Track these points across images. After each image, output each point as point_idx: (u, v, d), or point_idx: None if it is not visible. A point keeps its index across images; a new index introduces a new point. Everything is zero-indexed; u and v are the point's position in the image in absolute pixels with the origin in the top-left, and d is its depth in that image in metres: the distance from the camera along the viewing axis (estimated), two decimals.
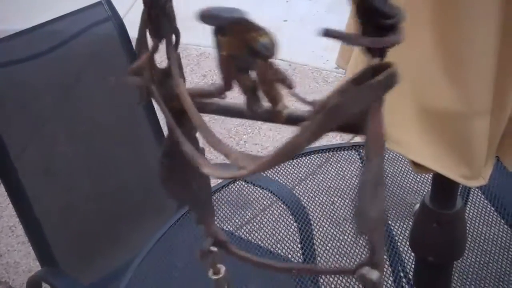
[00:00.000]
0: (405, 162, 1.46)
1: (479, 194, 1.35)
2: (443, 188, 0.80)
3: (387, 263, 1.21)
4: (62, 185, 1.50)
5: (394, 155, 1.48)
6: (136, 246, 1.28)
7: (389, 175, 1.44)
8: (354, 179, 1.45)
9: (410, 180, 1.42)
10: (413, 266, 0.91)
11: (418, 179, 1.41)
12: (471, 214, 1.30)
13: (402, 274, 1.17)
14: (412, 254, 0.89)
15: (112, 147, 1.59)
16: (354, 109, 0.44)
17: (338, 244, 1.27)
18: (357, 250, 1.26)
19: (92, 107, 1.55)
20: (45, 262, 1.42)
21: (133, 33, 1.59)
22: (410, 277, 1.14)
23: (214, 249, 0.61)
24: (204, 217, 0.61)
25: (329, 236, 1.29)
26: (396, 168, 1.46)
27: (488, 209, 1.32)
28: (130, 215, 1.59)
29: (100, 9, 1.53)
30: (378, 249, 0.50)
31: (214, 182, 1.45)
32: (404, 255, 1.21)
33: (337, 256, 1.23)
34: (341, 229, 1.31)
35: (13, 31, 1.43)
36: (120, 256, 1.46)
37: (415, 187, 1.40)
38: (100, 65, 1.56)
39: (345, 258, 1.23)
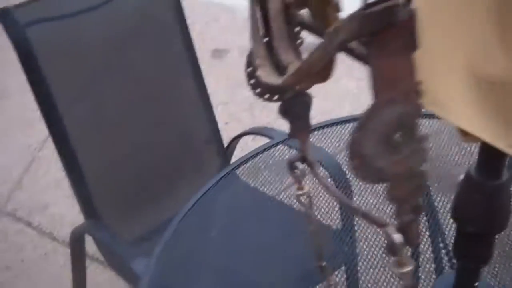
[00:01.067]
0: (449, 134, 1.44)
1: None
2: (490, 158, 0.78)
3: (427, 233, 1.20)
4: (108, 141, 1.52)
5: (438, 127, 1.46)
6: (176, 205, 1.29)
7: (433, 147, 1.43)
8: None
9: (454, 152, 1.40)
10: (453, 239, 0.90)
11: (463, 152, 1.39)
12: None
13: (441, 245, 1.17)
14: (453, 226, 0.88)
15: (157, 106, 1.60)
16: (350, 35, 0.44)
17: (378, 214, 1.26)
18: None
19: (138, 67, 1.57)
20: (88, 215, 1.46)
21: None
22: (450, 248, 1.13)
23: (301, 165, 0.64)
24: (299, 130, 0.64)
25: (369, 206, 1.29)
26: (439, 140, 1.44)
27: None
28: (171, 174, 1.61)
29: None
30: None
31: (255, 145, 1.46)
32: (444, 227, 1.20)
33: (376, 227, 1.23)
34: (381, 199, 1.31)
35: None
36: (160, 213, 1.49)
37: (460, 159, 1.39)
38: (151, 23, 1.56)
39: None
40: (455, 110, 0.66)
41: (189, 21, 1.60)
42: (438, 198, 1.29)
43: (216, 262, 1.18)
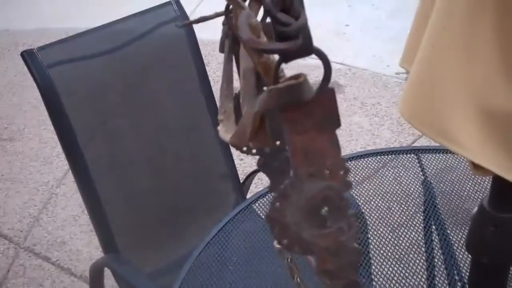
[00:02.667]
0: (463, 170, 1.45)
1: None
2: (502, 191, 0.80)
3: (442, 267, 1.20)
4: (126, 177, 1.55)
5: (452, 162, 1.47)
6: (194, 240, 1.31)
7: (448, 182, 1.43)
8: (412, 184, 1.45)
9: (468, 187, 1.40)
10: (468, 271, 0.91)
11: (476, 187, 1.40)
12: None
13: (457, 278, 1.17)
14: (468, 259, 0.89)
15: (173, 143, 1.63)
16: (261, 108, 0.46)
17: (393, 249, 1.27)
18: (413, 256, 1.26)
19: (156, 104, 1.60)
20: (108, 250, 1.48)
21: (199, 33, 1.64)
22: (465, 281, 1.14)
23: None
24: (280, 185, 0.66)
25: (384, 241, 1.29)
26: (454, 175, 1.44)
27: None
28: (188, 210, 1.63)
29: (168, 8, 1.58)
30: None
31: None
32: (459, 260, 1.20)
33: (392, 261, 1.23)
34: (396, 235, 1.31)
35: (82, 29, 1.50)
36: (178, 248, 1.51)
37: (474, 194, 1.39)
38: (166, 64, 1.61)
39: (400, 264, 1.23)
40: (465, 143, 0.69)
41: (207, 59, 1.63)
42: (453, 232, 1.29)
43: None
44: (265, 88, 0.45)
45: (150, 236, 1.56)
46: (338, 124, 0.46)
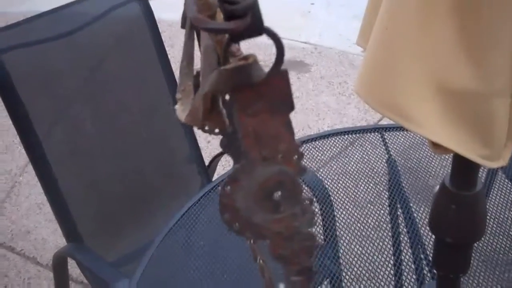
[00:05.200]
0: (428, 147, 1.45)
1: (504, 177, 1.34)
2: (463, 169, 0.79)
3: (408, 245, 1.21)
4: (87, 164, 1.52)
5: (419, 139, 1.47)
6: (158, 226, 1.29)
7: (414, 160, 1.44)
8: (379, 162, 1.45)
9: (435, 164, 1.41)
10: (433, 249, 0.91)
11: (443, 162, 1.40)
12: (497, 199, 1.29)
13: (422, 256, 1.17)
14: (433, 237, 0.89)
15: (136, 128, 1.61)
16: (211, 88, 0.45)
17: (361, 227, 1.27)
18: (380, 234, 1.26)
19: (116, 88, 1.57)
20: (70, 239, 1.45)
21: (162, 14, 1.61)
22: (430, 259, 1.14)
23: None
24: None
25: (352, 220, 1.29)
26: (420, 152, 1.45)
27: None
28: (153, 195, 1.61)
29: None
30: (289, 274, 0.52)
31: None
32: (424, 238, 1.21)
33: (359, 239, 1.24)
34: (364, 213, 1.31)
35: (36, 13, 1.45)
36: (143, 234, 1.48)
37: (440, 171, 1.40)
38: (125, 47, 1.57)
39: (368, 242, 1.23)
40: (424, 122, 0.68)
41: (169, 42, 1.61)
42: (418, 210, 1.30)
43: (198, 282, 1.18)
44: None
45: (113, 223, 1.54)
46: (291, 107, 0.45)
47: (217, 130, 0.57)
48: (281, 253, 0.50)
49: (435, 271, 0.95)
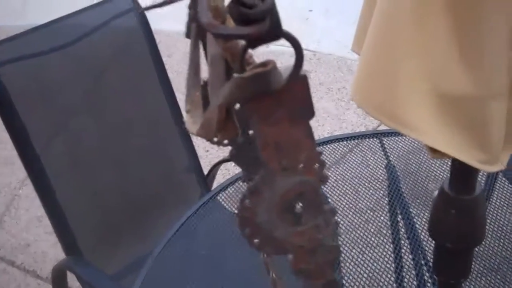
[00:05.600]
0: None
1: (505, 181, 1.34)
2: (461, 173, 0.79)
3: (408, 251, 1.20)
4: (86, 176, 1.51)
5: (418, 144, 1.46)
6: (158, 237, 1.28)
7: (413, 164, 1.43)
8: (379, 167, 1.44)
9: (435, 169, 1.40)
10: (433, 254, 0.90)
11: (442, 167, 1.40)
12: (498, 202, 1.28)
13: (423, 262, 1.16)
14: (433, 242, 0.88)
15: (136, 139, 1.60)
16: (226, 99, 0.42)
17: (361, 233, 1.26)
18: (380, 240, 1.25)
19: (114, 100, 1.56)
20: (69, 252, 1.44)
21: (160, 24, 1.60)
22: (431, 264, 1.13)
23: None
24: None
25: (353, 226, 1.29)
26: (419, 156, 1.44)
27: None
28: (152, 206, 1.60)
29: (121, 0, 1.54)
30: None
31: (237, 170, 1.44)
32: (425, 243, 1.20)
33: (360, 246, 1.23)
34: (364, 219, 1.30)
35: (33, 26, 1.44)
36: (143, 246, 1.47)
37: (439, 175, 1.39)
38: (122, 58, 1.56)
39: (368, 248, 1.22)
40: (420, 127, 0.67)
41: (167, 52, 1.60)
42: (418, 215, 1.29)
43: None
44: (235, 75, 0.43)
45: (113, 235, 1.53)
46: (312, 113, 0.43)
47: (226, 141, 0.54)
48: (303, 268, 0.48)
49: (435, 277, 0.95)
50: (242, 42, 0.40)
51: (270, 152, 0.43)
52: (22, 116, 1.35)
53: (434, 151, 0.69)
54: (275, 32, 0.39)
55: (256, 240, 0.46)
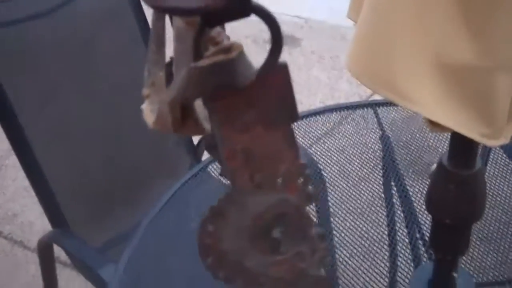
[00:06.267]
0: (422, 120, 1.43)
1: (501, 152, 1.32)
2: (462, 147, 0.76)
3: (403, 224, 1.18)
4: (73, 148, 1.48)
5: (413, 113, 1.44)
6: (146, 209, 1.26)
7: (408, 134, 1.41)
8: (372, 136, 1.42)
9: (429, 138, 1.38)
10: (429, 227, 0.88)
11: (437, 137, 1.38)
12: (491, 172, 1.26)
13: (418, 236, 1.14)
14: (428, 215, 0.86)
15: (124, 110, 1.56)
16: (180, 95, 0.33)
17: (354, 203, 1.25)
18: (374, 210, 1.23)
19: (103, 69, 1.52)
20: (56, 224, 1.42)
21: None
22: (427, 238, 1.11)
23: None
24: None
25: (346, 196, 1.27)
26: (414, 125, 1.42)
27: (510, 166, 1.29)
28: (142, 178, 1.57)
29: None
30: None
31: None
32: (420, 216, 1.18)
33: (353, 215, 1.21)
34: (357, 188, 1.28)
35: None
36: (132, 218, 1.45)
37: (435, 145, 1.37)
38: (109, 24, 1.52)
39: (361, 217, 1.21)
40: (421, 100, 0.63)
41: None
42: (412, 185, 1.27)
43: (187, 267, 1.15)
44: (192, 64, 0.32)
45: (101, 208, 1.50)
46: (294, 115, 0.34)
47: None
48: None
49: (432, 252, 0.92)
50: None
51: (238, 164, 0.34)
52: (4, 85, 1.31)
53: (433, 125, 0.66)
54: (240, 4, 0.29)
55: (221, 273, 0.37)
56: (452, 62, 0.62)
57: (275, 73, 0.32)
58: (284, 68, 0.32)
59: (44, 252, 1.45)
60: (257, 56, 0.34)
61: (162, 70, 0.40)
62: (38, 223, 2.17)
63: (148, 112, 0.40)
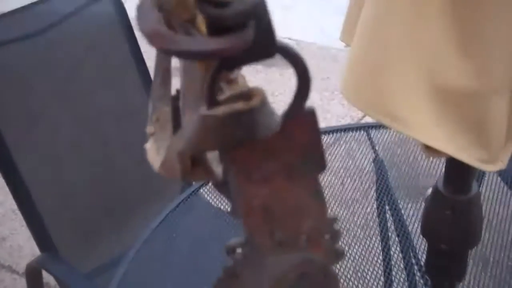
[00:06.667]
0: (415, 143, 1.42)
1: (494, 174, 1.31)
2: (457, 172, 0.74)
3: (398, 248, 1.16)
4: (61, 170, 1.45)
5: (405, 136, 1.43)
6: (138, 233, 1.23)
7: (401, 156, 1.40)
8: (365, 158, 1.40)
9: (422, 161, 1.37)
10: (425, 251, 0.86)
11: (433, 161, 1.36)
12: (486, 194, 1.25)
13: (413, 261, 1.12)
14: (424, 240, 0.84)
15: (112, 132, 1.54)
16: (188, 147, 0.29)
17: (347, 225, 1.23)
18: (367, 232, 1.21)
19: (91, 91, 1.50)
20: (44, 248, 1.39)
21: (131, 11, 1.54)
22: (422, 264, 1.09)
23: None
24: None
25: (338, 218, 1.25)
26: (406, 148, 1.41)
27: (504, 189, 1.27)
28: (131, 202, 1.54)
29: None
30: None
31: None
32: (415, 241, 1.16)
33: (346, 238, 1.19)
34: (350, 211, 1.27)
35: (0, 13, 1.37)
36: (121, 243, 1.42)
37: (428, 168, 1.35)
38: (98, 46, 1.50)
39: (354, 240, 1.19)
40: (416, 124, 0.62)
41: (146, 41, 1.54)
42: (406, 207, 1.26)
43: None
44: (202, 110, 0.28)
45: (90, 231, 1.47)
46: (322, 165, 0.30)
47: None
48: None
49: (428, 278, 0.90)
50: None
51: (257, 220, 0.30)
52: None
53: (429, 149, 0.65)
54: (263, 45, 0.26)
55: None
56: (447, 85, 0.61)
57: (301, 120, 0.30)
58: (311, 114, 0.29)
59: (33, 277, 1.42)
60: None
61: (168, 105, 0.36)
62: (27, 247, 2.13)
63: (153, 153, 0.36)
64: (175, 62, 0.33)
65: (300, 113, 0.29)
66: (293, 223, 0.29)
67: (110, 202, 1.51)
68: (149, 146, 0.36)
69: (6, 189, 2.38)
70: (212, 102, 0.27)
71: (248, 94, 0.27)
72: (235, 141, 0.27)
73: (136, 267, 1.12)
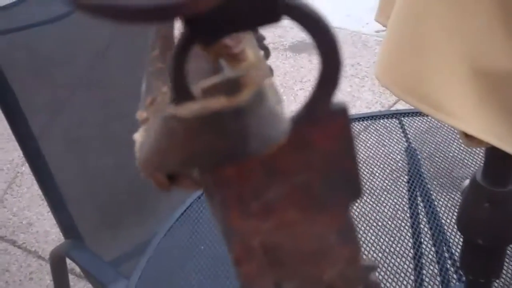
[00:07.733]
0: (448, 130, 1.36)
1: None
2: (498, 163, 0.70)
3: (430, 242, 1.12)
4: (87, 157, 1.44)
5: (437, 123, 1.38)
6: (162, 220, 1.21)
7: (433, 145, 1.35)
8: (395, 147, 1.36)
9: (456, 149, 1.32)
10: (459, 246, 0.82)
11: (470, 151, 1.31)
12: None
13: (446, 255, 1.08)
14: (458, 233, 0.80)
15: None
16: (149, 167, 0.22)
17: (376, 215, 1.19)
18: (397, 223, 1.17)
19: (118, 74, 1.48)
20: (68, 235, 1.38)
21: None
22: (456, 258, 1.05)
23: None
24: None
25: (368, 208, 1.21)
26: (439, 137, 1.36)
27: None
28: (154, 192, 1.52)
29: None
30: None
31: None
32: (449, 234, 1.12)
33: (376, 228, 1.15)
34: (380, 200, 1.22)
35: None
36: (145, 231, 1.41)
37: (464, 158, 1.30)
38: (126, 30, 1.47)
39: (383, 230, 1.15)
40: (456, 111, 0.58)
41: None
42: (439, 199, 1.21)
43: (199, 284, 1.10)
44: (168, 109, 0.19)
45: (115, 218, 1.46)
46: (357, 190, 0.20)
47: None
48: None
49: (462, 274, 0.86)
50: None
51: (255, 268, 0.21)
52: (16, 92, 1.27)
53: (469, 138, 0.60)
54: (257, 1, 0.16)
55: None
56: (490, 70, 0.57)
57: (326, 122, 0.19)
58: (342, 113, 0.19)
59: (57, 263, 1.42)
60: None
61: (167, 83, 0.26)
62: (53, 232, 2.14)
63: (140, 144, 0.25)
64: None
65: (324, 112, 0.18)
66: (309, 272, 0.20)
67: (134, 190, 1.49)
68: (137, 136, 0.26)
69: None
70: (182, 94, 0.18)
71: (237, 84, 0.17)
72: (217, 156, 0.18)
73: (159, 256, 1.10)
